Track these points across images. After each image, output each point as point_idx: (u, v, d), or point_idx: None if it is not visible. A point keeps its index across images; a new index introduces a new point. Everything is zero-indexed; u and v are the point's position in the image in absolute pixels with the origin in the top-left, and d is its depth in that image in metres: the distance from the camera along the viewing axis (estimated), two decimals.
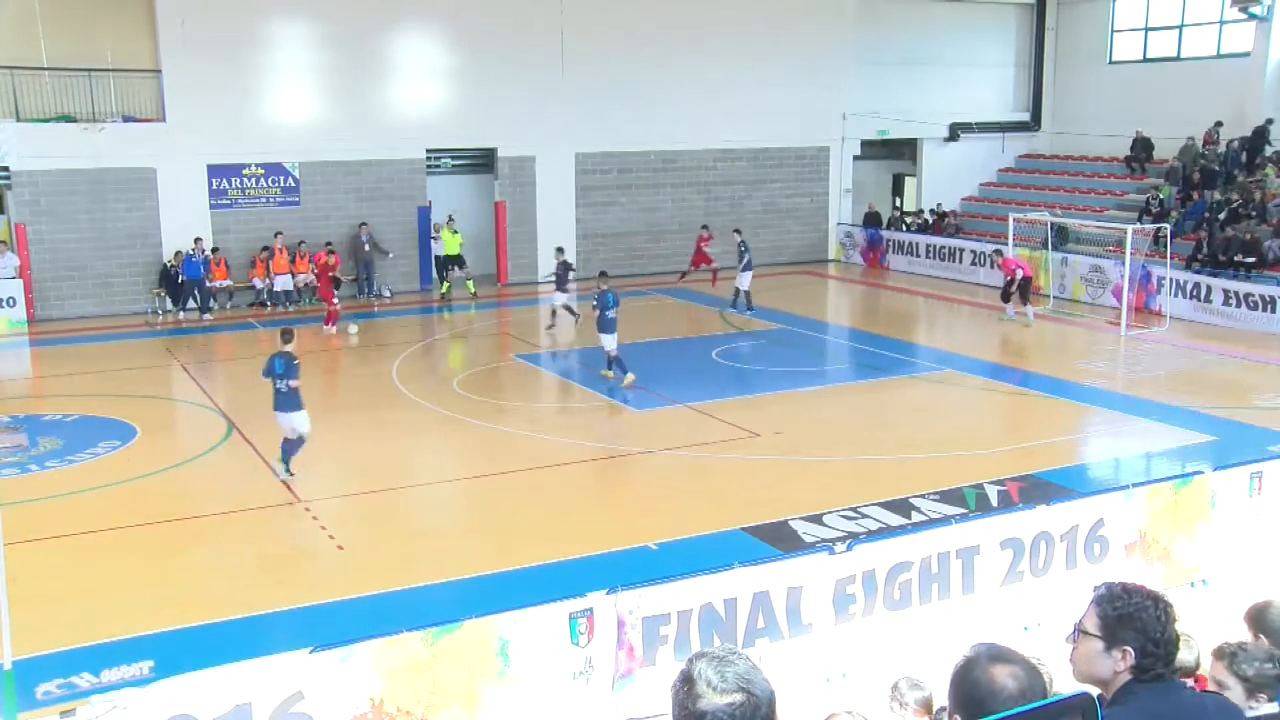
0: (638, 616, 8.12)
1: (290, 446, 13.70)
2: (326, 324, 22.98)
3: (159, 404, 18.45)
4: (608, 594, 8.05)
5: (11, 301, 24.13)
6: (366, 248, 27.24)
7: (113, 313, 25.05)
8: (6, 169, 24.48)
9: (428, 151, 28.46)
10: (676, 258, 30.27)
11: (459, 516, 13.30)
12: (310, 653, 7.21)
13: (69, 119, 24.97)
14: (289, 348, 13.70)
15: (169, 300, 25.59)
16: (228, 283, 26.24)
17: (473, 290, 27.35)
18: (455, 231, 27.71)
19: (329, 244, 25.21)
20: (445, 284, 27.60)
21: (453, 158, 29.53)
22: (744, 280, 24.51)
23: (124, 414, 16.77)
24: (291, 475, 13.62)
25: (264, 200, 26.90)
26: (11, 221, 25.21)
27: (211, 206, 26.42)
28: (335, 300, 23.13)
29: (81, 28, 24.91)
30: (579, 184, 29.96)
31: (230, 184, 26.58)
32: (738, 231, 26.16)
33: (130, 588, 10.70)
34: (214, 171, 26.31)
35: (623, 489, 13.58)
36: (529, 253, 29.56)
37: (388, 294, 27.67)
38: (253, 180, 26.74)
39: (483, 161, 29.62)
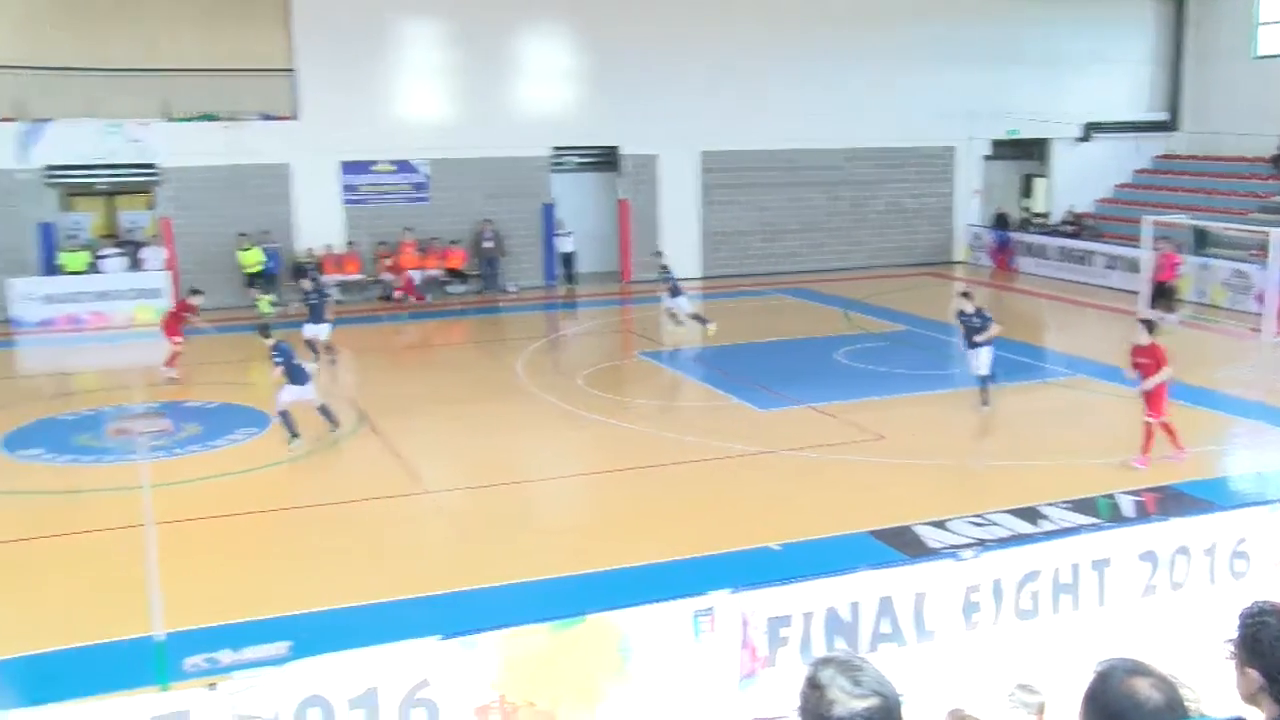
0: (761, 617, 8.09)
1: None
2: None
3: None
4: (731, 593, 8.04)
5: (157, 292, 25.09)
6: (489, 244, 27.69)
7: (249, 304, 25.86)
8: (156, 166, 25.50)
9: (553, 149, 28.75)
10: (797, 257, 30.12)
11: (580, 511, 13.42)
12: (438, 641, 7.34)
13: (211, 117, 25.87)
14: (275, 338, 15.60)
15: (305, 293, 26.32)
16: (359, 276, 26.90)
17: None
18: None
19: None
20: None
21: (577, 155, 29.78)
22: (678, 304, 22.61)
23: (259, 402, 17.29)
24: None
25: (394, 196, 27.50)
26: (159, 216, 26.27)
27: (345, 202, 27.12)
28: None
29: (226, 30, 25.79)
30: (703, 182, 29.97)
31: (361, 180, 27.23)
32: (658, 253, 25.13)
33: (268, 570, 11.04)
34: (347, 168, 27.01)
35: (745, 488, 13.53)
36: (651, 251, 29.66)
37: (513, 289, 28.05)
38: (384, 177, 27.36)
39: (606, 159, 29.81)
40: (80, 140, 24.97)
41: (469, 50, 27.52)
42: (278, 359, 15.15)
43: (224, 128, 25.83)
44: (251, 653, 8.98)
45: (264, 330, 15.97)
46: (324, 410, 15.36)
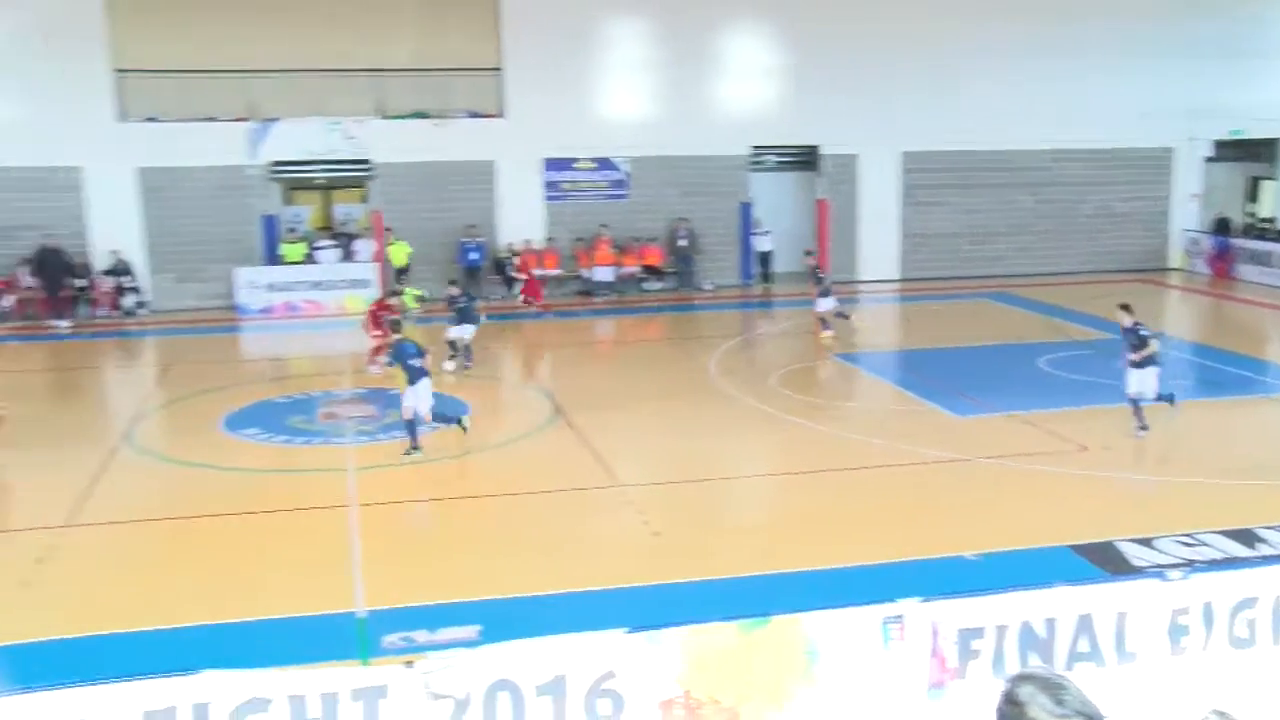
0: (952, 627, 7.89)
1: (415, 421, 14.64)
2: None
3: (490, 384, 19.55)
4: (921, 602, 7.87)
5: (366, 283, 26.17)
6: (683, 243, 27.87)
7: (451, 297, 26.67)
8: (370, 161, 26.65)
9: (752, 148, 28.69)
10: (1004, 260, 29.26)
11: (769, 511, 13.36)
12: (624, 634, 7.42)
13: (422, 115, 26.83)
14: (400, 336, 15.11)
15: (508, 287, 27.10)
16: (557, 271, 27.46)
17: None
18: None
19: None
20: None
21: (776, 155, 29.64)
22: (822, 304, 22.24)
23: (459, 392, 17.84)
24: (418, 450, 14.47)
25: (594, 193, 27.96)
26: (370, 210, 27.44)
27: (546, 198, 27.73)
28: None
29: (439, 32, 26.72)
30: (904, 183, 29.42)
31: (563, 177, 27.78)
32: (810, 253, 24.81)
33: (462, 554, 11.37)
34: (549, 165, 27.61)
35: (938, 495, 13.23)
36: (848, 251, 29.33)
37: (709, 287, 28.16)
38: (585, 174, 27.85)
39: (805, 159, 29.58)
40: (303, 137, 26.31)
41: (672, 49, 27.74)
42: (393, 359, 15.08)
43: (434, 125, 26.76)
44: (446, 634, 9.26)
45: (395, 325, 15.83)
46: (437, 418, 14.81)
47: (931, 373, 19.26)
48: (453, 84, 26.96)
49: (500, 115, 27.26)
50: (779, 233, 29.07)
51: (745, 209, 28.83)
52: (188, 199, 26.12)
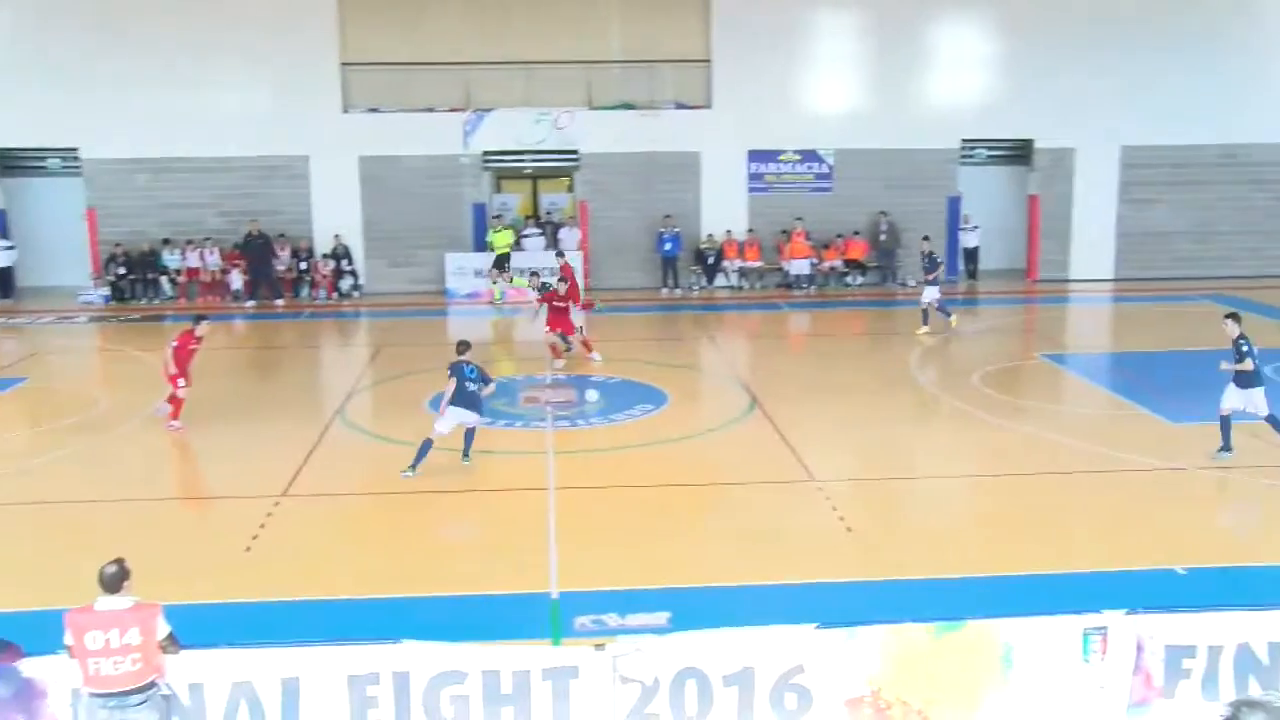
0: (1159, 643, 7.54)
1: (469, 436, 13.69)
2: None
3: (690, 374, 19.68)
4: (1127, 614, 7.55)
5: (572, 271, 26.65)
6: (883, 237, 27.41)
7: (649, 285, 26.97)
8: (577, 152, 27.16)
9: (961, 141, 27.97)
10: (1231, 261, 27.71)
11: (967, 513, 13.01)
12: (815, 629, 7.37)
13: (629, 106, 27.15)
14: (467, 356, 13.71)
15: (704, 278, 27.22)
16: (758, 264, 27.40)
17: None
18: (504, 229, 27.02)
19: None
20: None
21: (987, 148, 28.80)
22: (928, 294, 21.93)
23: (658, 380, 18.00)
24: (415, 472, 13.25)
25: (798, 185, 27.76)
26: (576, 200, 27.96)
27: (749, 190, 27.69)
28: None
29: (647, 23, 26.99)
30: (1122, 179, 28.17)
31: (767, 169, 27.67)
32: (926, 239, 23.85)
33: (654, 541, 11.47)
34: (753, 156, 27.55)
35: (1148, 504, 12.62)
36: (1061, 249, 28.29)
37: (911, 283, 27.60)
38: (789, 166, 27.67)
39: (1018, 153, 28.64)
40: (513, 128, 27.01)
41: (880, 39, 27.29)
42: (451, 374, 13.55)
43: (640, 116, 27.04)
44: (635, 620, 9.37)
45: (462, 345, 14.05)
46: (468, 436, 13.75)
47: (1146, 376, 18.42)
48: (660, 75, 27.20)
49: (707, 106, 27.34)
50: (988, 229, 28.27)
51: (953, 203, 28.13)
52: (402, 187, 27.16)
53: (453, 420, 13.43)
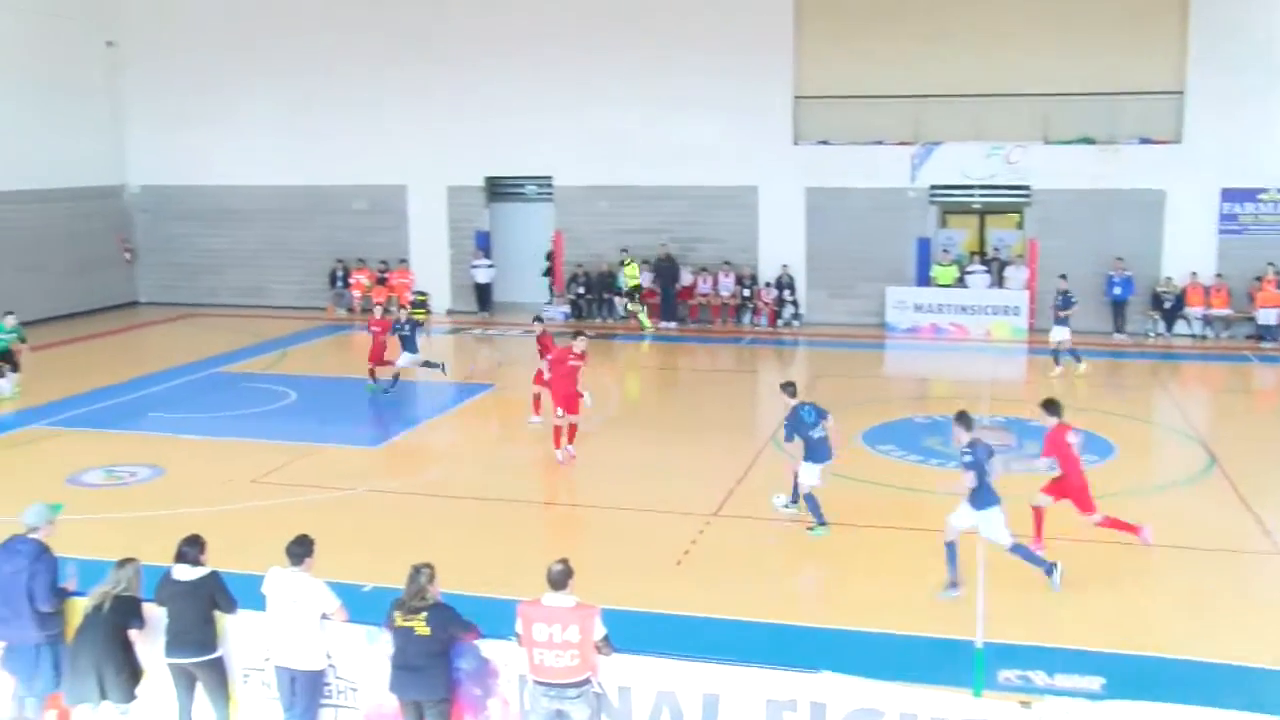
0: None
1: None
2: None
3: (1139, 425, 18.50)
4: None
5: (1016, 310, 25.80)
6: None
7: (1098, 330, 25.31)
8: (1029, 187, 26.24)
9: None
10: None
11: None
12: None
13: (1088, 140, 25.87)
14: (800, 398, 12.98)
15: (1162, 323, 25.41)
16: (1226, 311, 25.22)
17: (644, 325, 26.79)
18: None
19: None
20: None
21: None
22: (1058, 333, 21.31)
23: (1103, 429, 16.95)
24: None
25: (1278, 229, 25.27)
26: (1026, 237, 26.99)
27: (1219, 231, 25.53)
28: None
29: (1111, 53, 25.56)
30: None
31: (1243, 209, 25.41)
32: (1063, 277, 22.41)
33: (1088, 598, 10.84)
34: (1227, 195, 25.36)
35: None
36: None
37: None
38: (1269, 206, 25.26)
39: None
40: (963, 161, 26.49)
41: None
42: (794, 417, 12.98)
43: (1099, 150, 25.70)
44: (1065, 680, 8.91)
45: (788, 387, 13.50)
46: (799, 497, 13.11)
47: None
48: (1122, 108, 25.70)
49: (1176, 141, 25.52)
50: None
51: None
52: (847, 218, 27.32)
53: (814, 470, 12.85)
